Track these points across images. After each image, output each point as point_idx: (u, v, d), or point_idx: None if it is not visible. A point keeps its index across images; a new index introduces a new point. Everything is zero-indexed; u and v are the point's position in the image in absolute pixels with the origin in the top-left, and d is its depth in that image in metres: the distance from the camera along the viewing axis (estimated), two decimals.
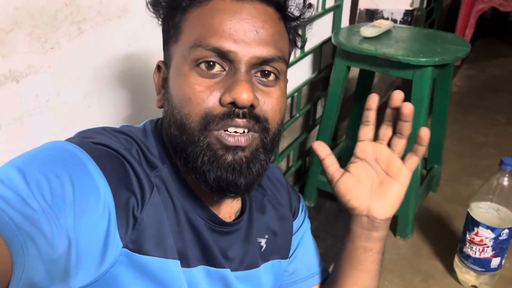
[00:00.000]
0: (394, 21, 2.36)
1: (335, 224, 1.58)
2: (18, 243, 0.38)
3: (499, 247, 1.23)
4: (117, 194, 0.47)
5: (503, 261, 1.28)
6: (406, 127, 0.60)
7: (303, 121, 1.69)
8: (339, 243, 0.68)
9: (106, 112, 0.92)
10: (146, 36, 0.93)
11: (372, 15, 2.13)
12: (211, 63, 0.50)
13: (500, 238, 1.21)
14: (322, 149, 0.63)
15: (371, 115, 0.62)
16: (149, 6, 0.57)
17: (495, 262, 1.25)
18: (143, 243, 0.49)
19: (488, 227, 1.20)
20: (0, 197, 0.39)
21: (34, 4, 0.73)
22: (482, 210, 1.24)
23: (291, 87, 1.47)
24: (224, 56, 0.50)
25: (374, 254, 0.66)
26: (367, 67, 1.38)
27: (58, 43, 0.80)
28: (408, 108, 0.58)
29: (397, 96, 0.59)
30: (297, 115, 1.53)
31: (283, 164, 1.64)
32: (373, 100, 0.60)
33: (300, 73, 1.52)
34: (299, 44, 0.61)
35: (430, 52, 1.29)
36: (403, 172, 0.61)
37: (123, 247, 0.48)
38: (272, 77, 0.53)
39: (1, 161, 0.74)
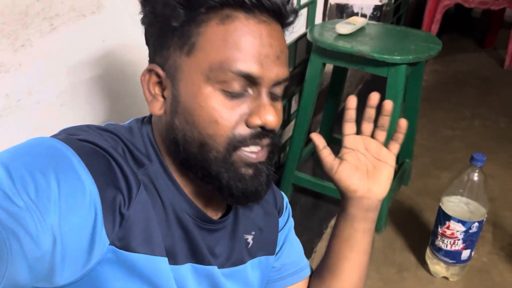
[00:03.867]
0: (364, 16, 2.38)
1: (310, 218, 1.60)
2: (1, 240, 0.37)
3: (469, 240, 1.27)
4: (103, 191, 0.47)
5: (473, 253, 1.34)
6: (386, 121, 0.70)
7: None
8: (333, 229, 0.75)
9: (80, 111, 0.89)
10: (121, 33, 0.90)
11: (342, 10, 2.15)
12: (237, 86, 0.52)
13: (470, 231, 1.25)
14: (320, 140, 0.71)
15: (352, 113, 0.71)
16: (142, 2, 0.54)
17: (465, 254, 1.30)
18: (130, 240, 0.49)
19: (459, 221, 1.25)
20: None
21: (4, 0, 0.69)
22: (452, 204, 1.28)
23: None
24: (251, 80, 0.52)
25: (370, 235, 0.73)
26: (343, 64, 1.39)
27: (30, 40, 0.76)
28: (389, 105, 0.69)
29: (375, 97, 0.69)
30: None
31: None
32: (352, 101, 0.70)
33: None
34: None
35: (404, 50, 1.31)
36: (390, 156, 0.70)
37: (109, 244, 0.48)
38: (279, 93, 0.56)
39: None
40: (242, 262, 0.66)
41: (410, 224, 1.59)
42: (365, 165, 0.70)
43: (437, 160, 1.97)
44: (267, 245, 0.71)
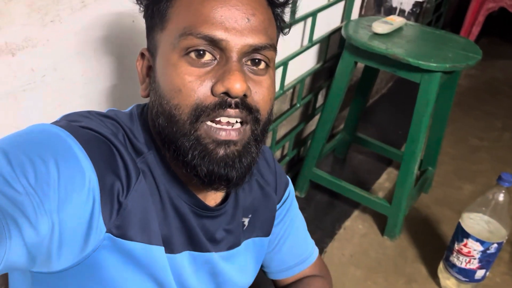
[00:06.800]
0: (402, 11, 2.30)
1: (323, 217, 1.58)
2: (0, 225, 0.38)
3: (486, 260, 1.23)
4: (102, 178, 0.47)
5: (487, 273, 1.30)
6: None
7: (303, 110, 1.65)
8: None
9: (104, 90, 0.88)
10: None
11: (380, 3, 2.08)
12: (202, 52, 0.49)
13: (488, 251, 1.21)
14: None
15: None
16: None
17: (480, 273, 1.27)
18: (127, 228, 0.49)
19: (477, 240, 1.21)
20: None
21: None
22: (472, 221, 1.24)
23: (294, 76, 1.43)
24: (215, 44, 0.49)
25: None
26: (375, 65, 1.34)
27: (59, 16, 0.75)
28: None
29: None
30: (298, 105, 1.50)
31: (277, 153, 1.62)
32: None
33: (305, 63, 1.48)
34: (285, 31, 0.61)
35: (441, 57, 1.25)
36: None
37: (106, 232, 0.48)
38: (262, 65, 0.52)
39: None
40: (238, 244, 0.66)
41: (425, 234, 1.55)
42: None
43: (461, 170, 1.91)
44: (262, 226, 0.70)
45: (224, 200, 0.62)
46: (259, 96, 0.52)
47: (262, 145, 0.56)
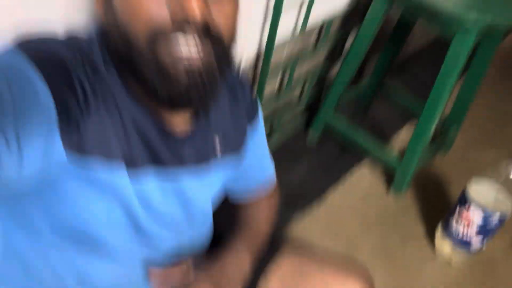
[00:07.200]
0: None
1: (331, 165, 1.55)
2: None
3: (484, 230, 1.21)
4: (58, 98, 0.46)
5: (484, 246, 1.27)
6: None
7: (328, 53, 1.58)
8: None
9: None
10: None
11: None
12: None
13: (488, 220, 1.19)
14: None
15: None
16: None
17: (476, 243, 1.25)
18: (85, 146, 0.49)
19: (481, 207, 1.18)
20: None
21: None
22: (481, 187, 1.20)
23: (321, 16, 1.35)
24: None
25: None
26: (407, 13, 1.25)
27: None
28: None
29: None
30: (321, 47, 1.43)
31: (296, 91, 1.58)
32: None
33: (334, 2, 1.39)
34: None
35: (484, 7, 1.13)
36: None
37: (65, 152, 0.48)
38: None
39: None
40: (207, 161, 0.65)
41: (433, 196, 1.52)
42: None
43: (487, 135, 1.82)
44: (233, 145, 0.71)
45: (194, 117, 0.61)
46: (222, 19, 0.50)
47: (228, 69, 0.55)
